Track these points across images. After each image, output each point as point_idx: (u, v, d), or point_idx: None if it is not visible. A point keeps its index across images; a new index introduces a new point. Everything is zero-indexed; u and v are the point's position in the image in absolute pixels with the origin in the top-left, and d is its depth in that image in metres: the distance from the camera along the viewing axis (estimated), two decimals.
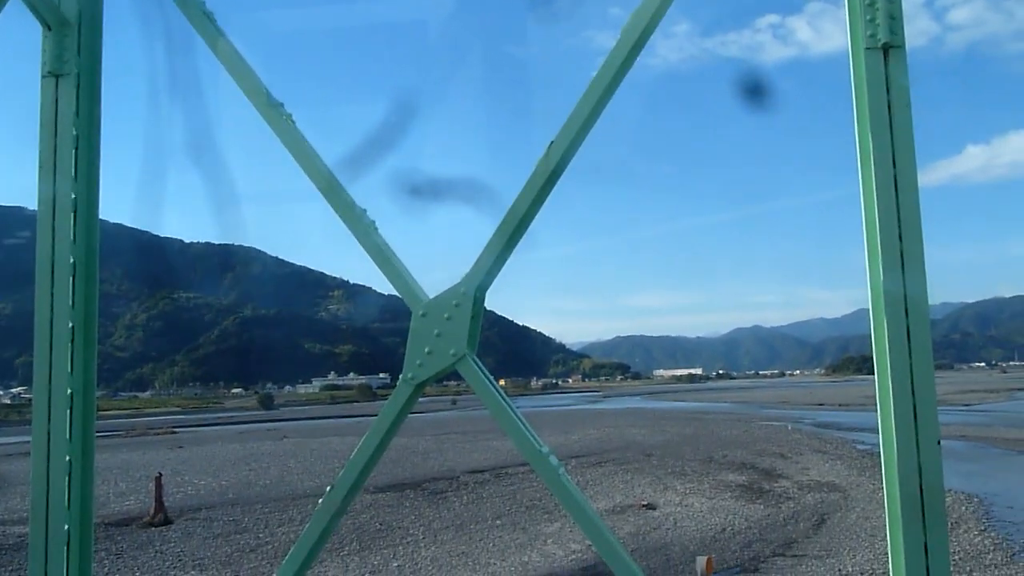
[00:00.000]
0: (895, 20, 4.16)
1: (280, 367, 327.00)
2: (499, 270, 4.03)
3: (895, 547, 4.26)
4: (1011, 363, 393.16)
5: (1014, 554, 22.47)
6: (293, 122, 4.40)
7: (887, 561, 4.30)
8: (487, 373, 4.17)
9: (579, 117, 4.16)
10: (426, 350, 4.07)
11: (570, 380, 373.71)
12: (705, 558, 16.48)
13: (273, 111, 4.41)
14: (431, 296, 4.16)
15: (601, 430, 68.83)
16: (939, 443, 4.26)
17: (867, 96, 4.16)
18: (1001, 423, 66.03)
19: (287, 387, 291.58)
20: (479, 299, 4.07)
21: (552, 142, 4.09)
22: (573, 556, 22.76)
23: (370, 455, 4.08)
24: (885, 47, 4.22)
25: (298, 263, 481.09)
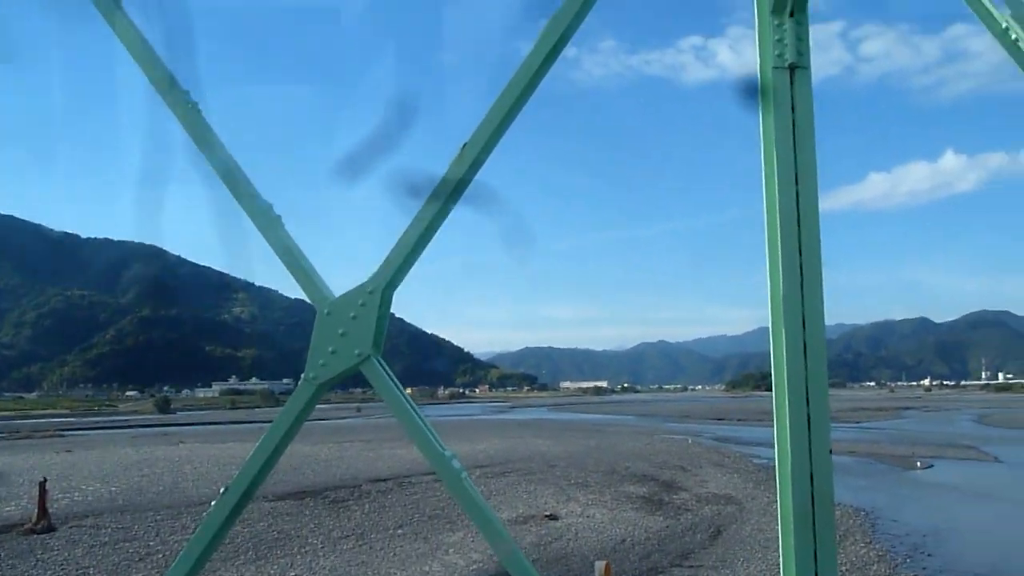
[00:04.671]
0: (802, 42, 4.31)
1: (179, 370, 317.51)
2: (409, 269, 3.98)
3: (787, 553, 4.38)
4: (899, 383, 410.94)
5: (897, 565, 23.43)
6: (198, 111, 4.27)
7: (779, 568, 4.42)
8: (392, 375, 4.11)
9: (492, 121, 4.16)
10: (330, 349, 3.99)
11: (477, 390, 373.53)
12: (603, 563, 16.63)
13: (176, 98, 4.27)
14: (337, 294, 4.09)
15: (506, 440, 68.98)
16: (830, 453, 4.41)
17: (773, 114, 4.30)
18: (888, 440, 68.94)
19: (185, 391, 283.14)
20: (387, 299, 4.02)
21: (466, 144, 4.08)
22: (475, 566, 22.69)
23: (268, 456, 3.97)
24: (792, 67, 4.36)
25: (201, 263, 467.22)
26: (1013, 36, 4.30)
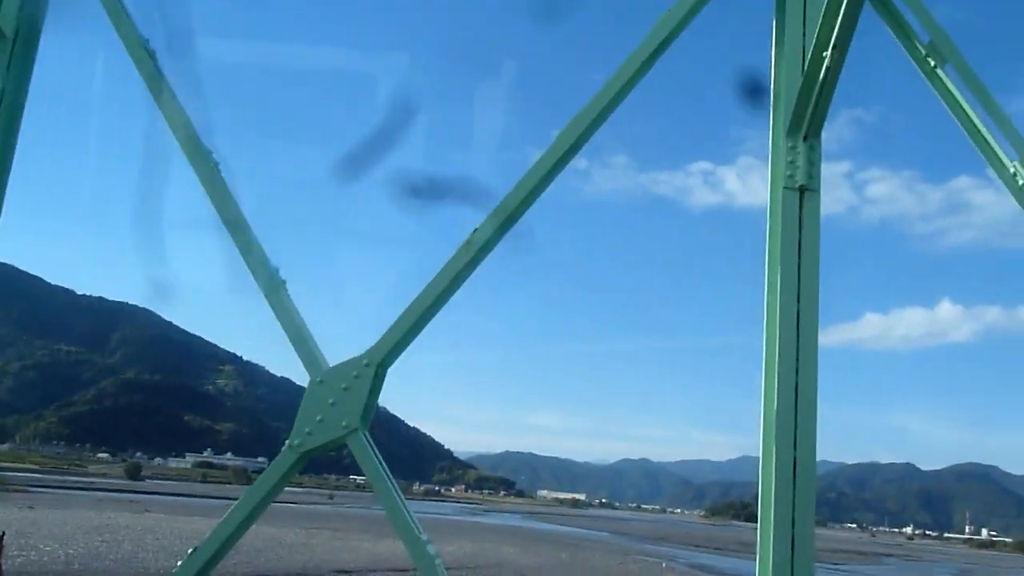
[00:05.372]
0: (813, 166, 4.43)
1: (155, 436, 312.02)
2: (407, 345, 3.98)
3: None
4: (881, 528, 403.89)
5: None
6: (219, 171, 4.33)
7: None
8: (377, 452, 4.06)
9: (503, 212, 4.23)
10: (318, 418, 3.94)
11: (453, 489, 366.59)
12: None
13: (201, 158, 4.34)
14: (332, 364, 4.07)
15: (477, 543, 67.36)
16: None
17: (780, 232, 4.38)
18: None
19: (158, 459, 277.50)
20: (381, 373, 4.00)
21: (476, 230, 4.13)
22: None
23: (241, 520, 3.88)
24: (802, 189, 4.47)
25: (192, 331, 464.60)
26: (1021, 182, 4.42)
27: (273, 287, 4.03)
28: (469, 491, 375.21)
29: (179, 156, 4.30)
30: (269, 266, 4.08)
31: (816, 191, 4.28)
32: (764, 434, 4.41)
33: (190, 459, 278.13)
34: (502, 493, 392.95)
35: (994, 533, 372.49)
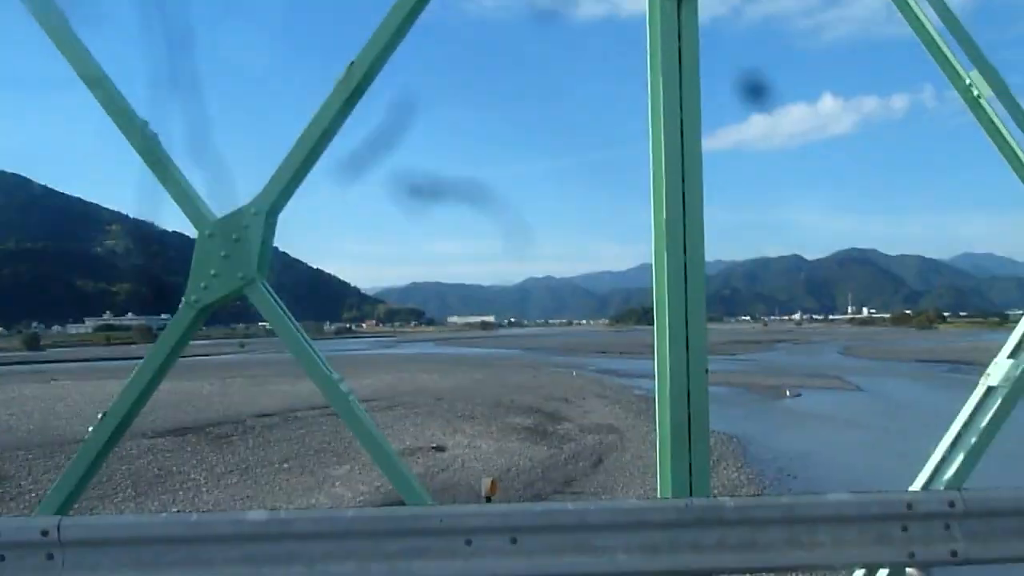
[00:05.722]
0: None
1: (48, 306, 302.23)
2: (294, 191, 3.89)
3: (664, 472, 4.59)
4: (772, 317, 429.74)
5: (764, 487, 24.84)
6: (69, 26, 3.99)
7: (656, 482, 4.63)
8: (279, 300, 4.05)
9: (381, 38, 4.07)
10: (212, 272, 3.87)
11: (364, 325, 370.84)
12: (489, 479, 17.07)
13: (48, 11, 3.97)
14: (219, 215, 3.96)
15: (393, 374, 69.03)
16: (707, 374, 4.62)
17: (660, 44, 4.36)
18: (760, 371, 72.34)
19: (56, 327, 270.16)
20: (271, 222, 3.92)
21: (353, 62, 3.98)
22: (361, 497, 22.84)
23: (148, 381, 3.87)
24: None
25: (71, 193, 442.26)
26: (975, 92, 4.64)
27: (145, 142, 3.84)
28: (380, 325, 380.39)
29: (23, 11, 3.95)
30: (137, 120, 3.86)
31: (693, 0, 4.24)
32: (655, 241, 4.56)
33: (90, 323, 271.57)
34: (413, 324, 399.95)
35: (873, 311, 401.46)
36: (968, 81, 5.00)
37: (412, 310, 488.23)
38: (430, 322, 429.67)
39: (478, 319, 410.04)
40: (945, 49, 5.01)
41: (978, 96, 5.00)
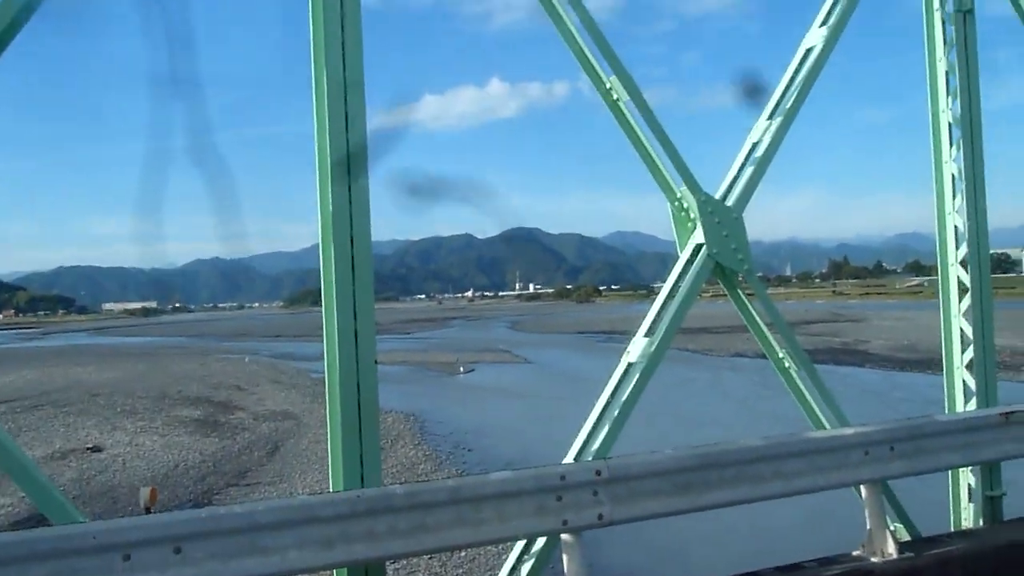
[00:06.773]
0: None
1: None
2: None
3: (335, 460, 4.59)
4: (447, 295, 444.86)
5: (441, 462, 25.73)
6: None
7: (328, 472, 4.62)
8: None
9: None
10: None
11: (1, 315, 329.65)
12: (148, 488, 15.97)
13: None
14: None
15: (39, 370, 62.19)
16: (376, 363, 4.67)
17: (324, 33, 4.30)
18: (436, 348, 74.75)
19: None
20: None
21: None
22: (3, 511, 20.39)
23: None
24: None
25: None
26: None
27: None
28: (20, 315, 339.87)
29: None
30: None
31: None
32: (322, 228, 4.55)
33: None
34: (61, 313, 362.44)
35: (539, 287, 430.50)
36: (608, 85, 5.52)
37: (60, 297, 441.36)
38: (83, 310, 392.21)
39: (139, 305, 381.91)
40: (590, 55, 5.50)
41: (617, 99, 5.56)
